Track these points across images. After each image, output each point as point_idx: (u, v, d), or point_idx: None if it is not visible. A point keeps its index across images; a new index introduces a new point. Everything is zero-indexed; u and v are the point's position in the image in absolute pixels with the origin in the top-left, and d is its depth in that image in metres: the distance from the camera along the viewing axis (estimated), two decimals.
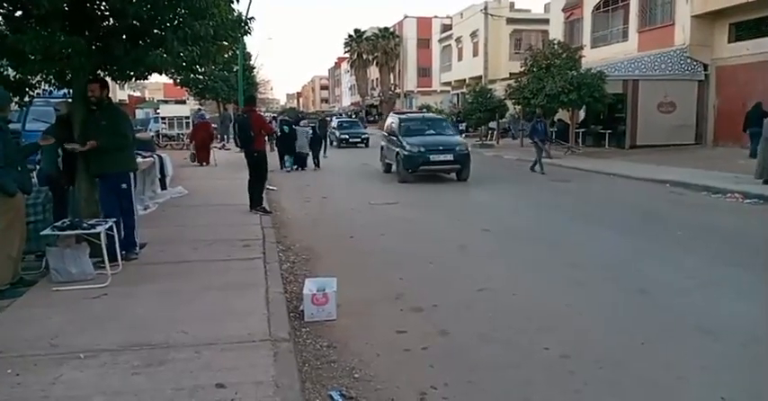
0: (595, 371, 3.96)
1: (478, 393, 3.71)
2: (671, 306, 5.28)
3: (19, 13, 5.86)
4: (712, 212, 10.16)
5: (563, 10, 29.08)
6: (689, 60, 21.18)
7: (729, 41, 20.25)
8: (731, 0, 18.81)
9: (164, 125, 26.92)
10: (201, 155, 18.00)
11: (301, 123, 20.32)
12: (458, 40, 44.36)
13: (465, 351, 4.35)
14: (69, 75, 6.28)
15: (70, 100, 6.70)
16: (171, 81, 23.43)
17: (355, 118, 45.40)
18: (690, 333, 4.64)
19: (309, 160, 18.83)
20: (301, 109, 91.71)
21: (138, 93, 56.39)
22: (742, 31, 19.79)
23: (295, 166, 18.34)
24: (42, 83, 6.69)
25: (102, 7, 6.17)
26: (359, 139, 29.38)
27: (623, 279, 6.14)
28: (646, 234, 8.35)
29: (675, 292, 5.65)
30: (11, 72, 6.47)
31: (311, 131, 19.35)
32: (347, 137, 29.32)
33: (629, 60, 22.79)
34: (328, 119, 31.61)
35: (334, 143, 28.70)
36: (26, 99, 6.83)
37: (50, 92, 7.08)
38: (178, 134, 26.36)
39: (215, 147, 19.85)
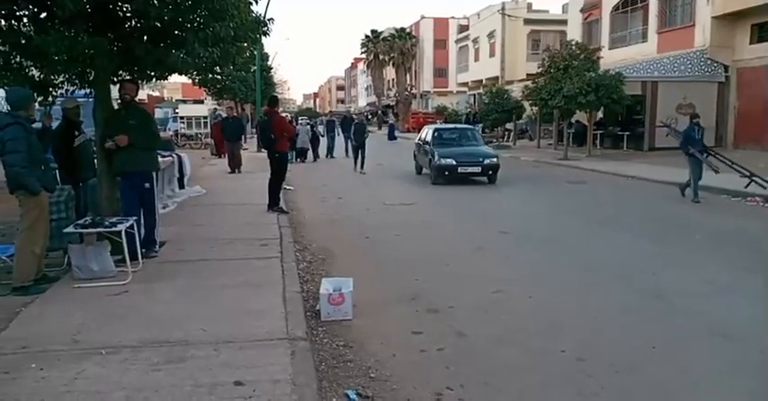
0: (612, 375, 3.95)
1: (495, 395, 3.72)
2: (688, 310, 5.24)
3: (43, 14, 5.95)
4: (732, 216, 10.04)
5: (581, 11, 28.88)
6: (709, 62, 20.94)
7: (751, 43, 19.98)
8: (753, 1, 18.56)
9: (182, 124, 27.15)
10: (223, 150, 19.40)
11: (302, 122, 23.43)
12: (475, 40, 44.26)
13: (481, 352, 4.36)
14: (92, 75, 6.39)
15: (79, 100, 6.89)
16: (189, 81, 23.67)
17: (386, 119, 36.77)
18: (707, 337, 4.60)
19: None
20: (326, 109, 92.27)
21: (156, 93, 56.89)
22: (765, 33, 19.51)
23: (297, 159, 20.48)
24: (65, 83, 6.81)
25: (125, 9, 6.25)
26: (477, 168, 14.49)
27: (639, 282, 6.10)
28: (663, 237, 8.28)
29: (692, 296, 5.61)
30: (35, 72, 6.59)
31: (310, 129, 21.80)
32: (453, 163, 14.31)
33: (648, 61, 22.59)
34: (364, 120, 23.86)
35: (425, 170, 16.03)
36: (49, 98, 6.96)
37: (73, 92, 7.20)
38: (196, 133, 26.59)
39: None
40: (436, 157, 14.51)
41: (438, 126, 18.70)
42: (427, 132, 16.56)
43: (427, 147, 15.50)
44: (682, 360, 4.20)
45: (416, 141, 17.34)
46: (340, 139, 23.46)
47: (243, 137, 24.19)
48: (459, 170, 14.25)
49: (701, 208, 10.79)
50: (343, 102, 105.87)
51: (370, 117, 61.36)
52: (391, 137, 35.23)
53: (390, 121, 41.62)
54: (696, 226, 9.04)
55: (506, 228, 8.94)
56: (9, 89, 5.78)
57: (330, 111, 60.65)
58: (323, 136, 23.73)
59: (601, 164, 18.14)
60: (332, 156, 22.73)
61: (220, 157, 19.68)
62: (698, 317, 5.04)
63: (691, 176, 11.38)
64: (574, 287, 6.00)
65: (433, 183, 14.41)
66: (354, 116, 24.02)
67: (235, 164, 16.13)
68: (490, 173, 14.40)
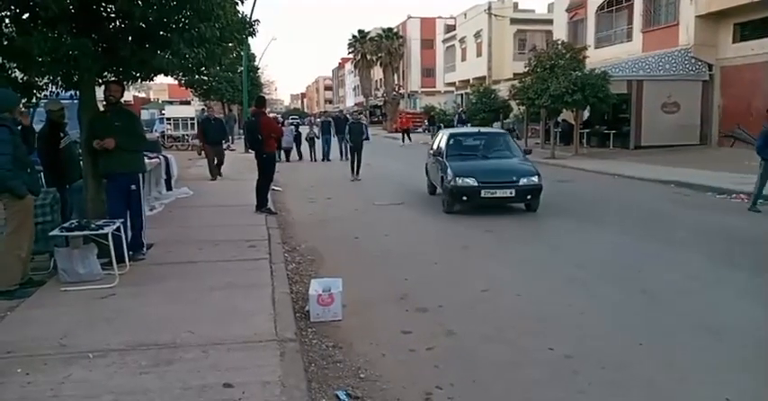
0: (599, 372, 3.99)
1: (484, 393, 3.74)
2: (674, 306, 5.30)
3: (26, 15, 5.90)
4: (717, 213, 10.14)
5: (567, 10, 29.04)
6: (693, 60, 21.15)
7: (734, 41, 20.22)
8: (736, 0, 18.78)
9: (169, 126, 26.98)
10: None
11: (286, 122, 24.18)
12: (461, 40, 44.36)
13: (470, 351, 4.38)
14: (76, 76, 6.33)
15: (64, 102, 6.84)
16: (176, 82, 23.53)
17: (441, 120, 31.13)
18: (693, 333, 4.66)
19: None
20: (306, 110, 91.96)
21: (142, 94, 56.48)
22: (747, 32, 19.76)
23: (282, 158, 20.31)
24: (49, 84, 6.75)
25: (109, 9, 6.21)
26: (509, 191, 9.96)
27: (626, 279, 6.16)
28: (649, 234, 8.35)
29: (678, 293, 5.68)
30: (18, 74, 6.52)
31: (295, 129, 22.51)
32: (474, 184, 9.92)
33: (633, 61, 22.76)
34: (362, 119, 20.13)
35: (439, 190, 11.39)
36: (33, 100, 6.90)
37: (57, 94, 7.14)
38: (183, 135, 26.42)
39: None
40: (449, 175, 10.13)
41: (455, 130, 13.87)
42: (441, 138, 12.11)
43: (440, 158, 11.15)
44: (668, 355, 4.24)
45: (429, 150, 12.95)
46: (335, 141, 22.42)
47: (230, 139, 23.68)
48: (483, 194, 9.87)
49: (686, 205, 10.90)
50: (331, 102, 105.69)
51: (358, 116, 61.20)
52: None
53: (363, 121, 40.76)
54: (681, 223, 9.14)
55: (492, 227, 8.96)
56: None
57: (325, 112, 59.95)
58: (318, 138, 22.84)
59: (587, 163, 18.27)
60: (328, 160, 21.78)
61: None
62: (683, 313, 5.09)
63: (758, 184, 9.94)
64: (561, 284, 6.04)
65: (447, 212, 10.32)
66: (349, 115, 21.58)
67: (216, 170, 14.83)
68: (529, 197, 10.10)
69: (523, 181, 9.99)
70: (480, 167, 10.40)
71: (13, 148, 5.14)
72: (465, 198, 10.06)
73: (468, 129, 17.64)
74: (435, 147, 12.13)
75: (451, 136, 11.90)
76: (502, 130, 15.33)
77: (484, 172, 10.16)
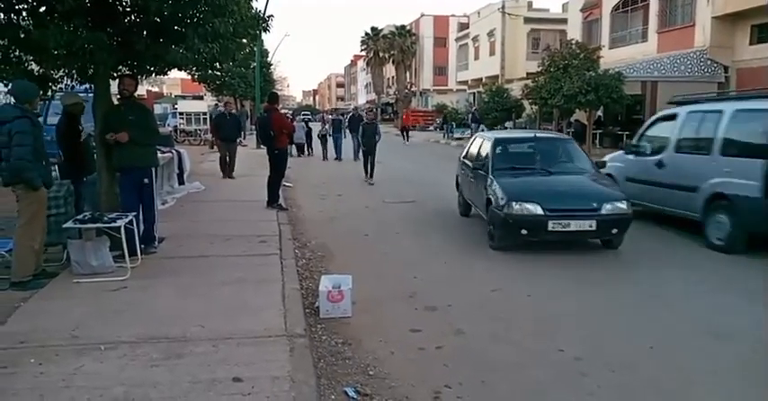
0: (608, 375, 3.97)
1: (492, 393, 3.73)
2: (683, 309, 5.26)
3: (43, 8, 5.94)
4: None
5: (581, 10, 28.83)
6: (709, 62, 20.92)
7: (751, 43, 19.97)
8: (753, 1, 18.55)
9: (182, 120, 27.07)
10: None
11: (297, 119, 24.13)
12: (475, 38, 44.19)
13: (479, 351, 4.37)
14: (91, 69, 6.38)
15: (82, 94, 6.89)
16: (189, 77, 23.50)
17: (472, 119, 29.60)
18: (701, 337, 4.63)
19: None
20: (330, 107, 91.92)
21: (155, 89, 56.79)
22: (764, 33, 19.51)
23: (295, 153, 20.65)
24: (65, 77, 6.80)
25: (125, 3, 6.25)
26: (590, 223, 7.00)
27: (637, 282, 6.12)
28: (659, 237, 8.28)
29: (687, 296, 5.64)
30: (34, 66, 6.57)
31: (306, 125, 22.72)
32: (539, 212, 6.99)
33: (647, 61, 22.56)
34: (375, 119, 17.83)
35: (474, 210, 9.36)
36: (49, 93, 6.95)
37: (73, 86, 7.18)
38: (196, 130, 26.49)
39: None
40: (501, 197, 7.37)
41: (500, 135, 10.15)
42: (481, 144, 9.31)
43: (481, 172, 8.38)
44: (678, 359, 4.21)
45: (461, 158, 10.32)
46: (348, 140, 21.79)
47: (242, 135, 23.26)
48: (552, 226, 7.01)
49: None
50: (342, 99, 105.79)
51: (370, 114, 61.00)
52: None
53: (374, 120, 39.40)
54: None
55: None
56: (15, 82, 5.76)
57: (335, 109, 59.68)
58: (330, 135, 22.16)
59: None
60: (339, 158, 21.12)
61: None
62: (694, 317, 5.06)
63: None
64: (571, 286, 6.01)
65: (495, 248, 7.52)
66: (362, 113, 19.76)
67: (228, 169, 14.02)
68: (614, 231, 7.25)
69: (607, 208, 7.11)
70: (543, 187, 7.53)
71: (33, 141, 5.19)
72: (525, 231, 7.17)
73: (520, 132, 14.84)
74: (474, 155, 9.41)
75: (497, 142, 8.78)
76: (564, 136, 12.16)
77: (550, 194, 7.30)
